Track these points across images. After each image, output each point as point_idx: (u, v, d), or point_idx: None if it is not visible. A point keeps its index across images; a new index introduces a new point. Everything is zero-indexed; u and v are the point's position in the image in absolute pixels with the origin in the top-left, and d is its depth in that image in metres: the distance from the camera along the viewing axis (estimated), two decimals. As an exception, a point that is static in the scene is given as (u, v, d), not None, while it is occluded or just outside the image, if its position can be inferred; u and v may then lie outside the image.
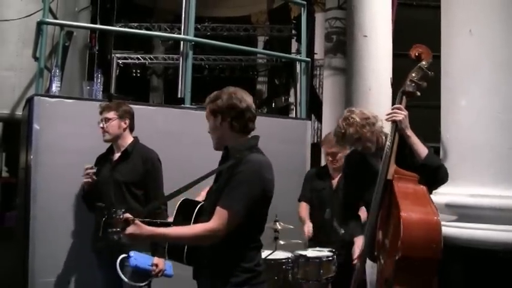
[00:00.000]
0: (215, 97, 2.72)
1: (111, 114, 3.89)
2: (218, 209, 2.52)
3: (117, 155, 3.95)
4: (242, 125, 2.71)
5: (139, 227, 2.40)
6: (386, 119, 3.28)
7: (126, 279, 3.63)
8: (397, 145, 3.19)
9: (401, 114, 3.18)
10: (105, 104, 3.99)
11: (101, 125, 3.89)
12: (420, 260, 2.85)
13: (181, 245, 2.69)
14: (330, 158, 4.60)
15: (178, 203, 2.83)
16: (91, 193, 3.90)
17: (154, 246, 3.63)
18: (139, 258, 3.62)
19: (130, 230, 2.37)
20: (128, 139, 3.98)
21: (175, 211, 2.81)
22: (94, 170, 3.83)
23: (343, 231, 4.23)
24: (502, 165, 3.45)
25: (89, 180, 3.82)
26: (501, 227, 3.35)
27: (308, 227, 4.56)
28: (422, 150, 3.19)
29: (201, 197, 2.95)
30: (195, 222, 2.65)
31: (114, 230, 2.36)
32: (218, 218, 2.49)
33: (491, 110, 3.51)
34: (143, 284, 3.69)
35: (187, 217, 2.70)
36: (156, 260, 3.64)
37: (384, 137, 3.40)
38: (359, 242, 3.50)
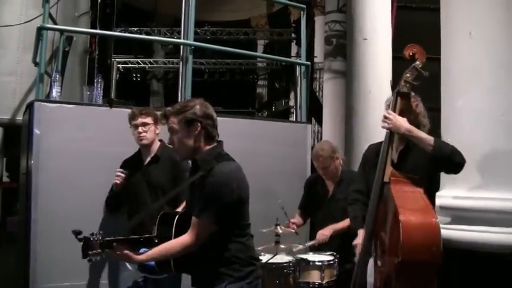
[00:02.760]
0: (185, 107, 2.75)
1: (149, 120, 4.01)
2: (192, 219, 2.65)
3: (147, 159, 4.06)
4: (215, 133, 2.80)
5: (126, 253, 2.62)
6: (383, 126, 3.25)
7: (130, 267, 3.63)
8: (392, 147, 3.18)
9: (388, 121, 3.16)
10: (140, 109, 4.08)
11: (139, 130, 3.98)
12: (420, 263, 2.81)
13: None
14: (322, 172, 4.60)
15: (158, 216, 2.91)
16: (119, 195, 4.04)
17: None
18: None
19: (116, 255, 2.59)
20: (157, 143, 4.09)
21: (156, 225, 2.87)
22: (125, 174, 3.98)
23: None
24: (504, 167, 3.44)
25: (120, 181, 3.97)
26: (503, 230, 3.35)
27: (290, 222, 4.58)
28: (427, 143, 3.09)
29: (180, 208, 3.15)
30: (176, 232, 2.75)
31: (95, 252, 2.50)
32: (192, 230, 2.65)
33: (492, 112, 3.51)
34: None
35: (168, 229, 2.79)
36: None
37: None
38: (361, 235, 3.42)
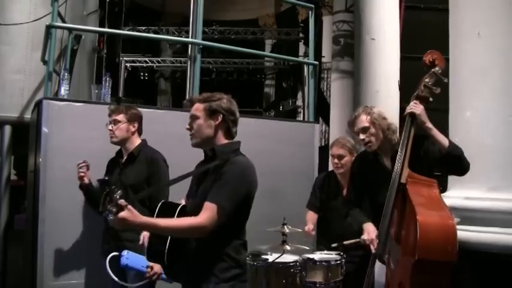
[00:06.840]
0: (212, 97, 2.83)
1: (121, 117, 3.92)
2: (206, 204, 2.59)
3: (124, 158, 3.99)
4: (235, 130, 2.88)
5: (132, 214, 2.38)
6: (405, 112, 3.32)
7: (115, 278, 3.59)
8: (410, 149, 3.20)
9: (419, 108, 3.22)
10: (114, 106, 4.01)
11: (109, 127, 3.92)
12: (436, 262, 2.86)
13: (163, 244, 2.70)
14: (336, 160, 4.52)
15: (158, 205, 2.88)
16: (92, 193, 3.95)
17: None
18: (131, 258, 3.54)
19: (123, 214, 2.34)
20: (136, 142, 4.00)
21: (155, 213, 2.82)
22: (86, 163, 3.90)
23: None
24: (512, 168, 3.43)
25: (82, 174, 3.88)
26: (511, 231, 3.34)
27: (309, 227, 4.53)
28: (444, 140, 3.21)
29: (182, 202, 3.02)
30: None
31: (112, 208, 2.32)
32: (206, 213, 2.57)
33: (501, 113, 3.50)
34: (134, 284, 3.63)
35: (169, 217, 2.71)
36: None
37: (395, 140, 3.46)
38: (370, 228, 3.50)
